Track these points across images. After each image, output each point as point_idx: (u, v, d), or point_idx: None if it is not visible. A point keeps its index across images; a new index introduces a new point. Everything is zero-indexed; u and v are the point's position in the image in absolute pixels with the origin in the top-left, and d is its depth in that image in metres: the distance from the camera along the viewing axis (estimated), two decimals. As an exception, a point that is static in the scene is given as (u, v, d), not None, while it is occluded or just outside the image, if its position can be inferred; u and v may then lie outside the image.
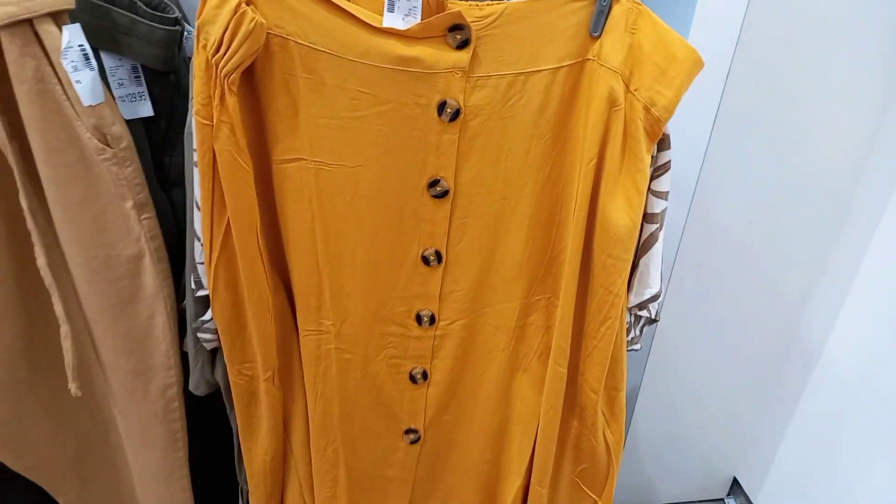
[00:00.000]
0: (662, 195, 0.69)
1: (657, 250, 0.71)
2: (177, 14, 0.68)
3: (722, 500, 1.69)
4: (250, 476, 0.83)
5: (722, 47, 1.07)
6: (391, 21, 0.58)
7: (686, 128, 1.17)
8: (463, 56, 0.59)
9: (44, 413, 0.83)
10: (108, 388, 0.82)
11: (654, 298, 0.73)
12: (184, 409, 0.83)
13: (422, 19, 0.58)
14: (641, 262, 0.71)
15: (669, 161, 0.68)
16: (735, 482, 1.65)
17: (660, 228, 0.70)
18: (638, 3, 0.60)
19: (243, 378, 0.75)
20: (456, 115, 0.62)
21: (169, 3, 0.69)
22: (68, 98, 0.63)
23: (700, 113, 1.13)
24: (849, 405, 1.28)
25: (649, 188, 0.68)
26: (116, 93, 0.69)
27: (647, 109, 0.61)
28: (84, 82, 0.62)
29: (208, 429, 0.90)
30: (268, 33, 0.57)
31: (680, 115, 1.09)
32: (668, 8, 1.32)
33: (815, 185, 1.20)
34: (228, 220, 0.65)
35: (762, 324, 1.38)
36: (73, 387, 0.75)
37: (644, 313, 0.75)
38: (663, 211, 0.70)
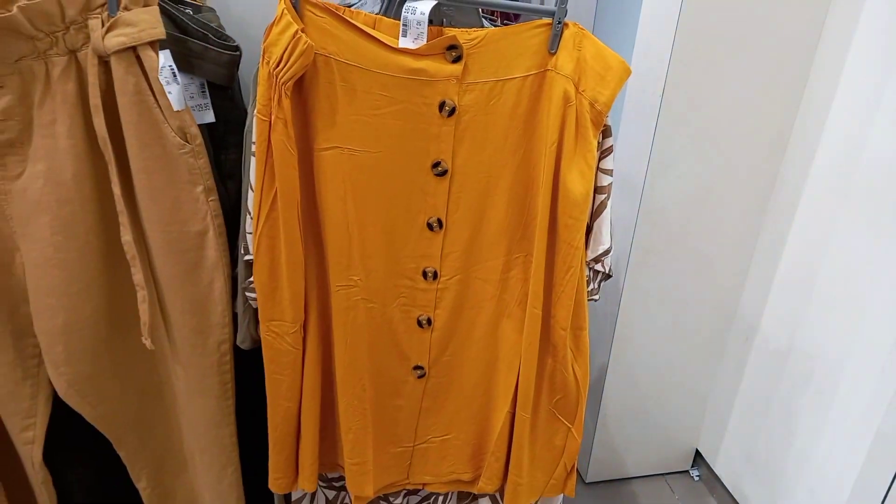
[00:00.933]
0: (608, 172, 0.91)
1: (606, 215, 0.93)
2: (237, 43, 0.89)
3: (687, 471, 1.88)
4: (273, 425, 0.98)
5: (657, 70, 1.32)
6: (404, 43, 0.80)
7: (634, 136, 1.41)
8: (457, 68, 0.82)
9: (115, 371, 1.00)
10: (172, 346, 1.00)
11: (606, 253, 0.94)
12: (233, 363, 1.01)
13: (427, 41, 0.80)
14: (595, 224, 0.93)
15: (612, 146, 0.90)
16: (697, 453, 1.85)
17: (608, 197, 0.92)
18: (582, 28, 0.83)
19: (271, 334, 0.92)
20: (452, 111, 0.84)
21: (228, 35, 0.90)
22: (159, 106, 0.83)
23: (643, 124, 1.37)
24: (781, 370, 1.49)
25: (598, 167, 0.90)
26: (188, 103, 0.89)
27: (592, 105, 0.83)
28: (173, 93, 0.82)
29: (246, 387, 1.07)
30: (315, 53, 0.79)
31: (628, 127, 1.36)
32: (614, 45, 1.61)
33: (739, 179, 1.44)
34: (273, 198, 0.85)
35: (708, 303, 1.60)
36: (147, 342, 0.93)
37: (599, 267, 0.97)
38: (610, 184, 0.92)
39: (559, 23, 0.81)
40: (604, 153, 0.90)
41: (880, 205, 1.21)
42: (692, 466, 1.87)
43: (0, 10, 0.77)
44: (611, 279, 1.49)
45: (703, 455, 1.82)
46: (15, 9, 0.76)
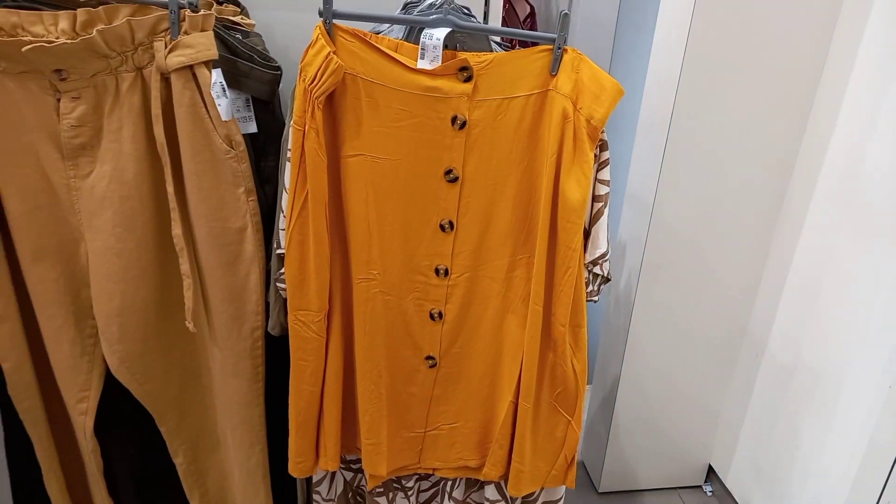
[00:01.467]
0: (606, 182, 1.01)
1: (603, 221, 1.02)
2: (279, 64, 1.02)
3: (700, 486, 1.91)
4: (296, 410, 1.08)
5: (666, 95, 1.41)
6: (422, 64, 0.91)
7: (645, 157, 1.50)
8: (468, 86, 0.93)
9: (161, 351, 1.12)
10: (211, 330, 1.12)
11: (603, 256, 1.03)
12: (265, 349, 1.13)
13: (442, 63, 0.92)
14: (593, 229, 1.02)
15: (608, 158, 1.00)
16: (710, 469, 1.88)
17: (605, 206, 1.02)
18: (579, 53, 0.93)
19: (298, 323, 1.03)
20: (463, 125, 0.95)
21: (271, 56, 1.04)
22: (209, 117, 0.96)
23: (654, 145, 1.46)
24: (788, 385, 1.54)
25: (596, 178, 1.00)
26: (235, 115, 1.02)
27: (588, 121, 0.93)
28: (223, 106, 0.95)
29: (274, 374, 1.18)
30: (344, 72, 0.91)
31: (640, 148, 1.45)
32: (629, 74, 1.72)
33: (747, 198, 1.52)
34: (304, 199, 0.96)
35: (718, 318, 1.66)
36: (190, 325, 1.05)
37: (598, 270, 1.05)
38: (606, 193, 1.01)
39: (559, 48, 0.92)
40: (601, 165, 1.00)
41: (879, 223, 1.27)
42: (705, 482, 1.91)
43: (82, 33, 0.91)
44: (622, 289, 1.58)
45: (716, 470, 1.86)
46: (95, 32, 0.90)
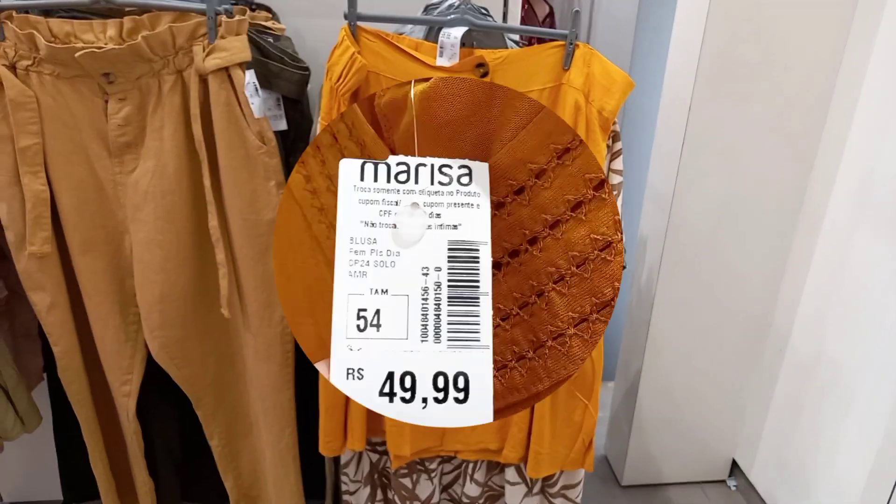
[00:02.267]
0: (619, 172, 1.05)
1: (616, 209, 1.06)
2: (307, 65, 1.09)
3: (724, 481, 1.92)
4: (325, 391, 1.13)
5: (683, 93, 1.44)
6: (441, 61, 0.97)
7: (663, 154, 1.53)
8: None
9: (198, 337, 1.19)
10: (244, 318, 1.18)
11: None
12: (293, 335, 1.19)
13: (459, 60, 0.97)
14: (606, 218, 1.06)
15: (621, 148, 1.04)
16: (734, 464, 1.89)
17: (619, 194, 1.06)
18: (591, 48, 0.98)
19: None
20: (480, 118, 1.00)
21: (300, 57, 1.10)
22: (243, 115, 1.03)
23: (672, 142, 1.49)
24: (810, 380, 1.55)
25: (610, 167, 1.04)
26: (266, 113, 1.08)
27: (599, 112, 0.98)
28: (255, 104, 1.02)
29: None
30: (368, 71, 0.97)
31: (659, 146, 1.48)
32: (650, 71, 1.75)
33: (766, 194, 1.53)
34: (333, 192, 1.02)
35: (739, 313, 1.67)
36: (225, 312, 1.12)
37: (613, 258, 1.09)
38: (620, 182, 1.05)
39: (570, 43, 0.96)
40: (614, 155, 1.04)
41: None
42: (729, 476, 1.91)
43: (128, 39, 0.99)
44: (644, 284, 1.61)
45: (740, 465, 1.86)
46: (140, 38, 0.97)
